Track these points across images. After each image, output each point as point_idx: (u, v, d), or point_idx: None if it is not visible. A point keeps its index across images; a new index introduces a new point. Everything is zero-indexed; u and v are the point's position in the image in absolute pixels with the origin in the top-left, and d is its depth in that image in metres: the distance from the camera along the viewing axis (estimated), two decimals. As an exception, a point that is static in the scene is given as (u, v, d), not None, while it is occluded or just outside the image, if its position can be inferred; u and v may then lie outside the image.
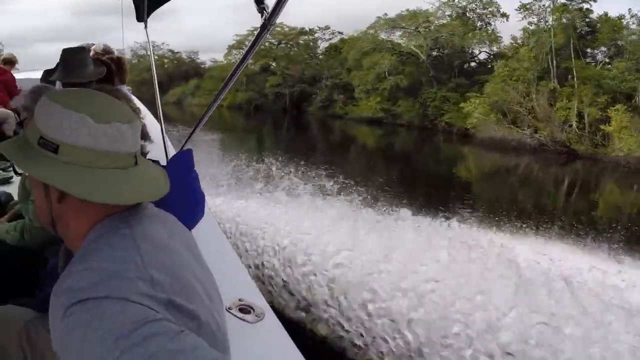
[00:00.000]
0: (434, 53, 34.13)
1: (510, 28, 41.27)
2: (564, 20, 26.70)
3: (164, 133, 2.79)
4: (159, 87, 3.20)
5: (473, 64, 35.33)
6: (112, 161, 0.82)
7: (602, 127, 22.26)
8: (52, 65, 2.79)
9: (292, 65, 42.00)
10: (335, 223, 6.14)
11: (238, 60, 1.74)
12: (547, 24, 27.52)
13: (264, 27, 1.39)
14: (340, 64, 39.46)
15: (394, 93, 33.40)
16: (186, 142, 2.05)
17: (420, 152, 26.15)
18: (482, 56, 35.06)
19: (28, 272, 1.68)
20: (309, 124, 36.98)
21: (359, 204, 8.35)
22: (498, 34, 33.63)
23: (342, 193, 9.27)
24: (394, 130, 31.81)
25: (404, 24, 35.57)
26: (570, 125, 23.70)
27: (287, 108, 41.72)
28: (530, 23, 28.63)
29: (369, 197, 9.50)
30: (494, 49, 34.00)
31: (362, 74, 35.36)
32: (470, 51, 34.86)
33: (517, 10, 29.06)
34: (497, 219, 9.15)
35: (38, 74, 3.39)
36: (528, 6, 28.50)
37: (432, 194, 12.99)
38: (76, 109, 0.81)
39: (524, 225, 8.75)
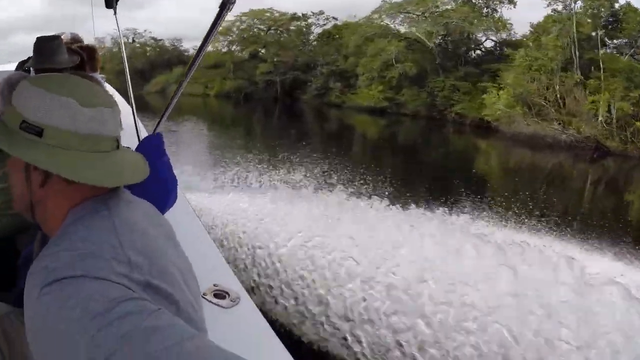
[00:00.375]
0: (438, 40, 33.94)
1: (516, 15, 41.01)
2: (591, 10, 26.31)
3: (136, 118, 2.89)
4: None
5: (479, 52, 35.24)
6: (95, 144, 0.86)
7: (637, 122, 21.84)
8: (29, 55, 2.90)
9: (283, 52, 41.57)
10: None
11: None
12: (571, 11, 27.03)
13: (224, 6, 1.42)
14: (337, 50, 39.10)
15: (400, 81, 33.12)
16: (157, 126, 2.04)
17: (454, 148, 24.20)
18: (488, 44, 34.94)
19: (2, 265, 1.66)
20: (303, 112, 36.26)
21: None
22: (508, 21, 33.50)
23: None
24: (398, 120, 31.18)
25: (409, 9, 35.32)
26: (598, 120, 23.25)
27: (279, 96, 41.32)
28: (553, 10, 28.14)
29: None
30: (504, 36, 33.95)
31: (367, 60, 34.80)
32: (474, 38, 34.75)
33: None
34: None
35: (12, 66, 3.53)
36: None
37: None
38: (61, 92, 0.84)
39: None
